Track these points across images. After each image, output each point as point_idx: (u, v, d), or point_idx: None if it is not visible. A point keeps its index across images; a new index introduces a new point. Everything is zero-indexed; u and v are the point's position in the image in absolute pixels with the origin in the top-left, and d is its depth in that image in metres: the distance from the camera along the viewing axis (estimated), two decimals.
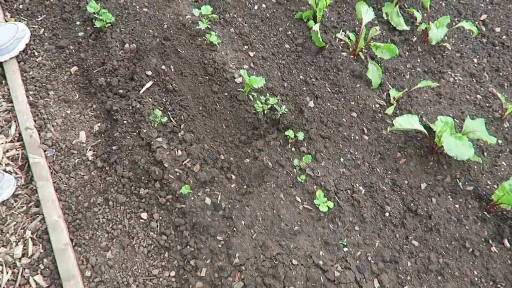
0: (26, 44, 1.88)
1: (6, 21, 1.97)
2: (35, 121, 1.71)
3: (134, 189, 1.57)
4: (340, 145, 1.79)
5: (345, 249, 1.53)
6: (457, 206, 1.69)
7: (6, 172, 1.59)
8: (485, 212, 1.69)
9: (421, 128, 1.72)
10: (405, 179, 1.74)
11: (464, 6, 2.52)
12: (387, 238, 1.59)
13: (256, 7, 2.22)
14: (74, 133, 1.71)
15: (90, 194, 1.57)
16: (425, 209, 1.65)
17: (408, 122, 1.70)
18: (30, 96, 1.77)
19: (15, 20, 2.00)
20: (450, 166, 1.79)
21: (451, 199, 1.71)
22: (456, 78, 2.14)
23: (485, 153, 1.87)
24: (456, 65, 2.20)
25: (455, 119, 1.95)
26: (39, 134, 1.68)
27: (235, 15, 2.14)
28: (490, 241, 1.63)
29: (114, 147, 1.64)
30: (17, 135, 1.70)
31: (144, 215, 1.52)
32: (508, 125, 2.00)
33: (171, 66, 1.87)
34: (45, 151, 1.64)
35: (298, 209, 1.58)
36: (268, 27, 2.14)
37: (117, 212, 1.53)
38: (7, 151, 1.66)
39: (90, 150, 1.67)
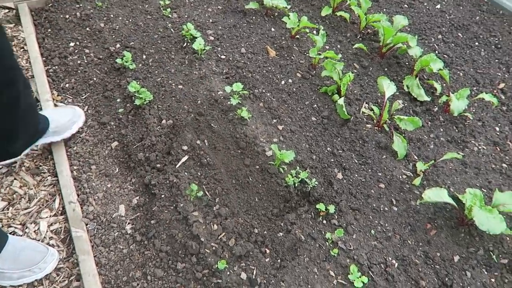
0: (80, 128, 2.01)
1: (53, 99, 2.14)
2: (78, 195, 1.80)
3: (172, 263, 1.61)
4: (370, 217, 1.82)
5: None
6: (493, 280, 1.67)
7: (50, 245, 1.67)
8: None
9: (451, 201, 1.75)
10: (437, 251, 1.75)
11: (482, 76, 2.63)
12: None
13: (283, 82, 2.36)
14: (114, 206, 1.79)
15: (129, 268, 1.61)
16: (461, 284, 1.64)
17: (437, 195, 1.74)
18: (74, 171, 1.88)
19: (62, 99, 2.17)
20: (482, 238, 1.79)
21: (486, 272, 1.70)
22: (480, 147, 2.19)
23: None
24: (478, 134, 2.26)
25: (482, 189, 1.98)
26: (82, 208, 1.77)
27: (263, 91, 2.28)
28: None
29: (152, 221, 1.71)
30: (61, 208, 1.79)
31: None
32: None
33: (205, 141, 1.99)
34: (87, 224, 1.72)
35: (332, 284, 1.59)
36: (295, 101, 2.27)
37: (155, 287, 1.56)
38: (51, 224, 1.75)
39: (129, 223, 1.75)
